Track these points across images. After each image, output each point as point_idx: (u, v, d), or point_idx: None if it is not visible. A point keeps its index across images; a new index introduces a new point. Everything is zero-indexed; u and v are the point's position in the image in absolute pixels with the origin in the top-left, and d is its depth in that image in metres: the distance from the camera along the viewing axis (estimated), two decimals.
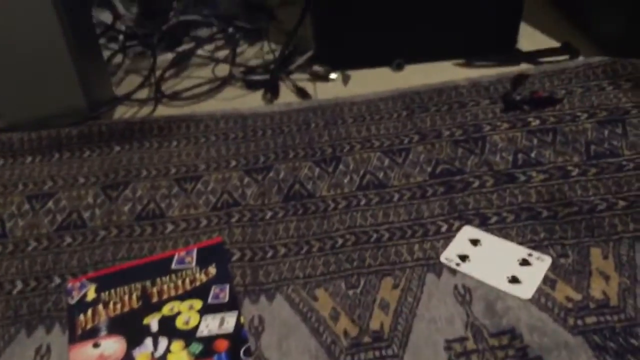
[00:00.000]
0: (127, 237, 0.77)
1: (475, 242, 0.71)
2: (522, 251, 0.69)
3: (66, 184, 0.88)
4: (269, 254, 0.73)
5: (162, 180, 0.87)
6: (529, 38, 1.15)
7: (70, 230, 0.79)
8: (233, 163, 0.90)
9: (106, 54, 1.15)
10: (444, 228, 0.74)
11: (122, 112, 1.06)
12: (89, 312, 0.66)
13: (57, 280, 0.72)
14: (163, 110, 1.05)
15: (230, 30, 1.22)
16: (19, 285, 0.72)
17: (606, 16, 1.07)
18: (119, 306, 0.67)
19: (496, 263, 0.68)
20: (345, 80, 1.10)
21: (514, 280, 0.66)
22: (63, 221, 0.81)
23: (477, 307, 0.64)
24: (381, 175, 0.84)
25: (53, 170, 0.91)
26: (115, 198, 0.84)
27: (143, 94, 1.10)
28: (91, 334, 0.63)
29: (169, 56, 1.15)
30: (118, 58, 1.17)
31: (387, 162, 0.86)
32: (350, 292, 0.67)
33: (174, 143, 0.95)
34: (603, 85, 0.97)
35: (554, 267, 0.67)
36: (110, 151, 0.94)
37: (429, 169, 0.84)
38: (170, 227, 0.79)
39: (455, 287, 0.66)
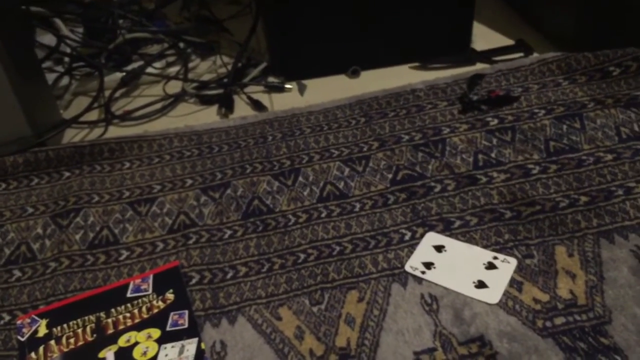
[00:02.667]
0: (79, 267, 0.74)
1: (439, 249, 0.71)
2: (488, 254, 0.69)
3: (14, 215, 0.84)
4: (229, 275, 0.71)
5: (115, 205, 0.85)
6: (483, 37, 1.16)
7: (19, 264, 0.76)
8: (189, 182, 0.88)
9: (52, 77, 1.12)
10: (408, 236, 0.73)
11: (72, 136, 1.03)
12: (41, 349, 0.63)
13: (6, 318, 0.69)
14: (115, 131, 1.03)
15: (181, 45, 1.20)
16: None
17: (557, 11, 1.08)
18: (72, 340, 0.64)
19: (462, 269, 0.67)
20: (301, 90, 1.08)
21: (481, 285, 0.65)
22: (11, 254, 0.78)
23: (444, 316, 0.63)
24: (342, 185, 0.83)
25: None
26: (66, 226, 0.81)
27: (93, 115, 1.07)
28: None
29: (118, 75, 1.12)
30: (65, 80, 1.13)
31: (347, 171, 0.85)
32: (315, 309, 0.66)
33: (127, 165, 0.92)
34: (559, 81, 0.97)
35: (520, 268, 0.67)
36: (59, 177, 0.91)
37: (390, 176, 0.83)
38: (125, 253, 0.76)
39: (422, 296, 0.65)
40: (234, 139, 0.95)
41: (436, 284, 0.66)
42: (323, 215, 0.78)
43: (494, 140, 0.86)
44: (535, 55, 1.07)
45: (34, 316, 0.67)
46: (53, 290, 0.71)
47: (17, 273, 0.75)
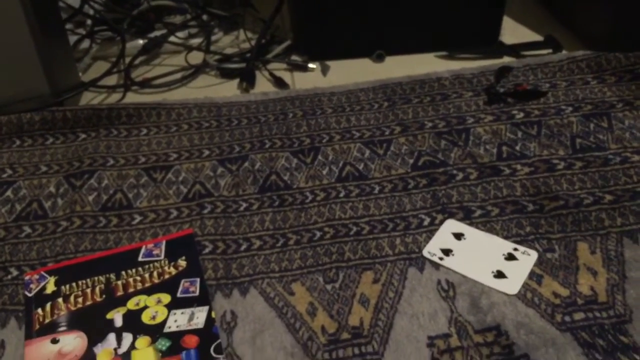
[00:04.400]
0: (90, 228, 0.73)
1: (459, 236, 0.69)
2: (508, 245, 0.67)
3: (27, 172, 0.83)
4: (243, 247, 0.70)
5: (130, 170, 0.83)
6: (512, 31, 1.14)
7: (29, 221, 0.75)
8: (206, 152, 0.86)
9: (73, 39, 1.11)
10: (427, 221, 0.72)
11: (90, 99, 1.02)
12: (48, 306, 0.62)
13: (14, 272, 0.68)
14: (133, 98, 1.01)
15: (205, 17, 1.18)
16: None
17: (591, 10, 1.06)
18: (80, 300, 0.63)
19: (481, 258, 0.66)
20: (324, 70, 1.07)
21: (500, 275, 0.64)
22: (22, 211, 0.77)
23: (461, 303, 0.61)
24: (361, 166, 0.81)
25: (13, 157, 0.86)
26: (80, 187, 0.80)
27: (112, 80, 1.06)
28: (50, 328, 0.59)
29: (140, 42, 1.11)
30: (85, 43, 1.12)
31: (367, 153, 0.84)
32: (329, 287, 0.65)
33: (144, 131, 0.91)
34: (587, 79, 0.96)
35: (540, 262, 0.65)
36: (75, 138, 0.90)
37: (411, 161, 0.82)
38: (138, 218, 0.75)
39: (439, 282, 0.64)
40: (254, 113, 0.94)
41: (454, 271, 0.65)
42: (341, 195, 0.77)
43: (519, 133, 0.85)
44: (564, 52, 1.06)
45: (42, 273, 0.66)
46: (63, 249, 0.70)
47: (27, 229, 0.74)
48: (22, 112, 0.91)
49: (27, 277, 0.66)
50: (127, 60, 1.07)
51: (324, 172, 0.81)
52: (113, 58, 1.09)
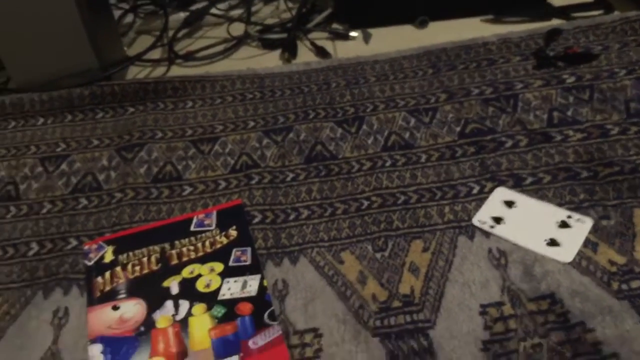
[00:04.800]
0: (144, 200, 0.75)
1: (509, 204, 0.68)
2: (561, 213, 0.66)
3: (79, 146, 0.85)
4: (292, 217, 0.71)
5: (178, 142, 0.85)
6: None
7: (85, 193, 0.77)
8: (251, 124, 0.87)
9: (116, 13, 1.12)
10: (476, 190, 0.71)
11: (135, 73, 1.03)
12: (107, 274, 0.64)
13: (73, 243, 0.70)
14: (177, 71, 1.02)
15: None
16: (35, 247, 0.70)
17: None
18: (137, 268, 0.65)
19: (533, 225, 0.65)
20: (366, 38, 1.06)
21: (553, 243, 0.63)
22: (78, 183, 0.79)
23: (513, 271, 0.61)
24: (407, 135, 0.81)
25: (66, 132, 0.88)
26: (131, 160, 0.82)
27: (156, 54, 1.07)
28: (110, 296, 0.62)
29: (182, 15, 1.11)
30: (129, 18, 1.13)
31: (413, 122, 0.83)
32: (378, 255, 0.65)
33: (189, 104, 0.92)
34: None
35: (595, 229, 0.64)
36: (124, 112, 0.92)
37: (458, 129, 0.80)
38: (188, 189, 0.77)
39: (490, 250, 0.63)
40: (297, 84, 0.94)
41: (505, 239, 0.64)
42: (387, 164, 0.76)
43: (571, 98, 0.82)
44: (617, 13, 1.01)
45: (100, 242, 0.68)
46: (119, 220, 0.72)
47: (84, 201, 0.76)
48: (71, 87, 0.93)
49: (86, 247, 0.68)
50: (170, 33, 1.07)
51: (369, 141, 0.81)
52: (156, 32, 1.10)
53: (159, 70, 1.02)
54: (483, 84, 0.88)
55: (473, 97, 0.85)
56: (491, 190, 0.71)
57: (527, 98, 0.84)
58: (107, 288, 0.62)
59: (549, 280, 0.59)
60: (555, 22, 1.01)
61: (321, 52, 1.03)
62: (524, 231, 0.64)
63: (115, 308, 0.60)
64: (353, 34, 1.06)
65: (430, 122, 0.82)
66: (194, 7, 1.13)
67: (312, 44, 1.05)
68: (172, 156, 0.82)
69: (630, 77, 0.85)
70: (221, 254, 0.65)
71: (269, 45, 1.07)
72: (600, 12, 1.02)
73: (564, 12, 1.03)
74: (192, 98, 0.93)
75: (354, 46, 1.04)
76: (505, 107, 0.83)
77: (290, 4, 1.13)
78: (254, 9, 1.16)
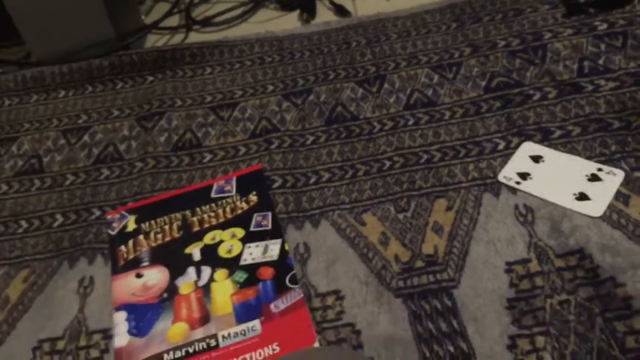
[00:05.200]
0: (164, 168, 0.76)
1: (536, 159, 0.66)
2: (591, 166, 0.64)
3: (100, 117, 0.86)
4: (312, 180, 0.70)
5: (198, 109, 0.85)
6: None
7: (107, 163, 0.78)
8: (270, 88, 0.86)
9: None
10: (502, 145, 0.69)
11: (153, 41, 1.03)
12: (130, 242, 0.65)
13: (97, 213, 0.71)
14: (195, 37, 1.02)
15: None
16: (59, 218, 0.71)
17: None
18: (160, 236, 0.65)
19: (561, 180, 0.63)
20: None
21: (582, 197, 0.61)
22: (99, 154, 0.80)
23: (540, 227, 0.59)
24: (430, 92, 0.79)
25: (87, 103, 0.89)
26: (151, 129, 0.82)
27: (173, 21, 1.06)
28: (133, 264, 0.63)
29: None
30: None
31: (436, 78, 0.81)
32: (401, 216, 0.64)
33: (208, 70, 0.92)
34: None
35: (627, 181, 0.62)
36: (143, 81, 0.92)
37: (483, 83, 0.78)
38: (208, 156, 0.77)
39: (516, 206, 0.62)
40: (317, 45, 0.92)
41: (532, 195, 0.62)
42: (410, 123, 0.75)
43: (602, 46, 0.79)
44: None
45: (123, 212, 0.69)
46: (140, 189, 0.73)
47: (106, 172, 0.77)
48: (91, 58, 0.93)
49: (109, 217, 0.69)
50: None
51: (391, 100, 0.79)
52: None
53: (177, 38, 1.02)
54: (510, 36, 0.85)
55: (499, 50, 0.83)
56: (518, 145, 0.69)
57: (556, 48, 0.80)
58: (131, 256, 0.63)
59: (577, 235, 0.58)
60: None
61: (340, 10, 1.01)
62: (552, 186, 0.63)
63: (138, 276, 0.61)
64: None
65: (454, 77, 0.80)
66: None
67: (331, 2, 1.02)
68: (191, 124, 0.82)
69: None
70: (242, 220, 0.66)
71: (287, 6, 1.05)
72: None
73: None
74: (211, 64, 0.93)
75: (375, 3, 1.02)
76: (533, 58, 0.80)
77: None
78: None
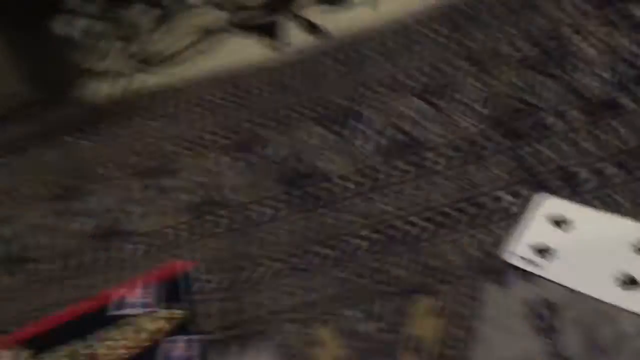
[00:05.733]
0: (74, 271, 0.62)
1: (560, 223, 0.48)
2: (638, 229, 0.45)
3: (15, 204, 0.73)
4: (259, 273, 0.55)
5: (130, 179, 0.71)
6: None
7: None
8: (222, 141, 0.72)
9: (79, 21, 1.00)
10: (508, 202, 0.52)
11: (93, 90, 0.90)
12: None
13: None
14: (144, 78, 0.88)
15: None
16: None
17: None
18: None
19: (597, 256, 0.45)
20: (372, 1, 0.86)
21: (632, 282, 0.43)
22: None
23: (570, 339, 0.41)
24: (416, 130, 0.62)
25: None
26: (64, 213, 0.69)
27: (118, 64, 0.94)
28: None
29: (147, 13, 0.97)
30: (90, 23, 1.00)
31: (425, 108, 0.65)
32: (371, 328, 0.47)
33: (151, 123, 0.79)
34: None
35: None
36: (74, 144, 0.79)
37: (485, 111, 0.61)
38: (130, 246, 0.63)
39: (532, 304, 0.44)
40: (281, 77, 0.77)
41: (556, 284, 0.44)
42: (393, 179, 0.59)
43: None
44: None
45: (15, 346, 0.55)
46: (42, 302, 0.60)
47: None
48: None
49: None
50: (133, 35, 0.94)
51: (368, 146, 0.63)
52: (122, 37, 0.96)
53: (122, 83, 0.89)
54: (519, 39, 0.67)
55: (505, 60, 0.65)
56: (533, 201, 0.51)
57: (582, 51, 0.62)
58: None
59: (625, 350, 0.39)
60: None
61: (312, 29, 0.85)
62: (584, 268, 0.45)
63: None
64: None
65: (448, 105, 0.63)
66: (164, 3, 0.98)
67: (302, 19, 0.87)
68: (121, 200, 0.68)
69: None
70: (159, 348, 0.50)
71: (249, 30, 0.90)
72: None
73: None
74: (157, 114, 0.79)
75: (356, 15, 0.85)
76: (552, 69, 0.62)
77: None
78: None
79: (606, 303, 0.43)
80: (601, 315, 0.42)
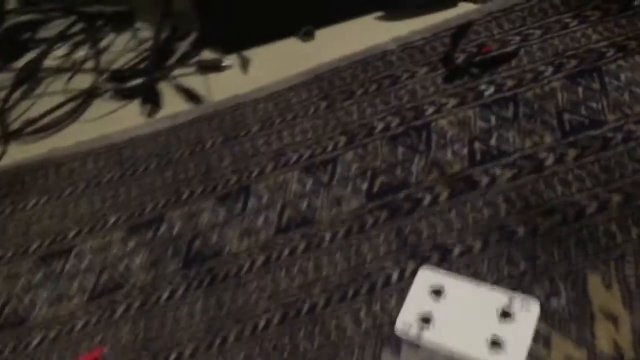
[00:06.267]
0: None
1: (438, 292, 0.59)
2: (501, 297, 0.57)
3: None
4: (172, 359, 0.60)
5: (22, 262, 0.72)
6: None
7: None
8: (112, 219, 0.74)
9: None
10: (395, 275, 0.62)
11: None
12: None
13: None
14: (14, 152, 0.87)
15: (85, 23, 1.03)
16: None
17: None
18: None
19: (470, 321, 0.56)
20: (244, 65, 0.93)
21: (496, 343, 0.54)
22: None
23: None
24: (304, 205, 0.70)
25: None
26: None
27: None
28: None
29: (10, 74, 0.96)
30: None
31: (310, 183, 0.72)
32: None
33: (32, 202, 0.79)
34: (566, 21, 0.83)
35: (544, 313, 0.55)
36: None
37: (365, 186, 0.70)
38: (36, 338, 0.64)
39: None
40: (164, 148, 0.81)
41: (438, 348, 0.55)
42: (285, 253, 0.66)
43: (492, 119, 0.73)
44: None
45: None
46: None
47: None
48: None
49: None
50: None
51: (259, 222, 0.69)
52: None
53: None
54: (387, 114, 0.78)
55: (378, 136, 0.75)
56: (414, 272, 0.61)
57: (441, 127, 0.74)
58: None
59: None
60: (463, 9, 0.91)
61: (191, 95, 0.90)
62: (459, 331, 0.55)
63: None
64: (227, 62, 0.93)
65: (331, 180, 0.72)
66: (24, 60, 0.97)
67: (178, 86, 0.92)
68: (14, 287, 0.69)
69: (559, 75, 0.76)
70: None
71: (126, 95, 0.93)
72: None
73: None
74: (35, 193, 0.80)
75: (231, 78, 0.92)
76: (416, 144, 0.73)
77: (147, 34, 0.99)
78: (104, 43, 1.02)
79: None
80: None
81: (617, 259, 0.57)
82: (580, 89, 0.73)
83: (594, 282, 0.56)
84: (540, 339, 0.54)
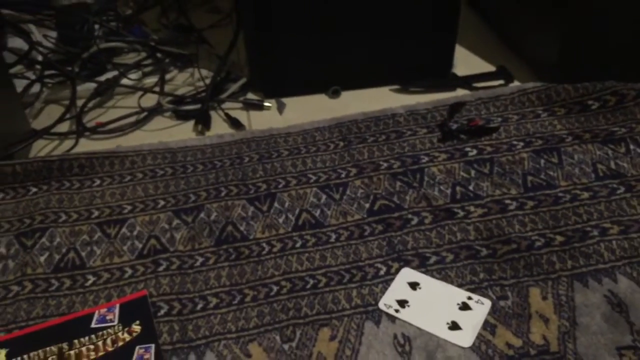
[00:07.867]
0: (42, 293, 0.72)
1: (414, 286, 0.70)
2: (462, 294, 0.69)
3: None
4: (199, 306, 0.70)
5: (83, 225, 0.83)
6: (465, 61, 1.16)
7: None
8: (161, 203, 0.86)
9: (22, 83, 1.09)
10: (383, 271, 0.73)
11: (41, 147, 1.00)
12: None
13: None
14: (86, 145, 1.00)
15: (159, 55, 1.18)
16: None
17: (539, 40, 1.09)
18: None
19: (436, 308, 0.67)
20: (280, 108, 1.08)
21: (454, 326, 0.65)
22: None
23: (417, 358, 0.62)
24: (318, 213, 0.82)
25: None
26: (31, 247, 0.79)
27: (64, 127, 1.05)
28: None
29: (92, 85, 1.10)
30: (36, 88, 1.10)
31: (324, 198, 0.85)
32: (286, 347, 0.65)
33: (97, 182, 0.90)
34: (538, 112, 0.98)
35: (494, 310, 0.67)
36: (25, 193, 0.89)
37: (367, 205, 0.83)
38: (91, 279, 0.75)
39: (395, 336, 0.65)
40: (210, 158, 0.94)
41: (410, 324, 0.66)
42: (298, 245, 0.77)
43: (472, 172, 0.87)
44: (516, 83, 1.08)
45: None
46: (14, 317, 0.69)
47: None
48: None
49: None
50: (80, 103, 1.06)
51: (281, 220, 0.81)
52: (66, 101, 1.08)
53: (67, 144, 1.00)
54: (391, 158, 0.91)
55: (382, 172, 0.88)
56: (397, 270, 0.72)
57: (432, 172, 0.87)
58: None
59: None
60: (460, 93, 1.07)
61: (235, 123, 1.04)
62: (428, 314, 0.66)
63: None
64: (267, 103, 1.08)
65: (341, 198, 0.84)
66: (103, 77, 1.11)
67: (226, 114, 1.05)
68: (75, 241, 0.80)
69: (527, 149, 0.90)
70: (124, 353, 0.64)
71: (182, 116, 1.07)
72: (501, 82, 1.09)
73: (467, 82, 1.08)
74: (100, 175, 0.92)
75: (268, 116, 1.06)
76: (412, 181, 0.86)
77: (205, 72, 1.14)
78: (168, 76, 1.16)
79: (440, 337, 0.65)
80: (436, 344, 0.64)
81: (554, 280, 0.69)
82: (542, 161, 0.88)
83: (534, 293, 0.68)
84: (488, 327, 0.65)
